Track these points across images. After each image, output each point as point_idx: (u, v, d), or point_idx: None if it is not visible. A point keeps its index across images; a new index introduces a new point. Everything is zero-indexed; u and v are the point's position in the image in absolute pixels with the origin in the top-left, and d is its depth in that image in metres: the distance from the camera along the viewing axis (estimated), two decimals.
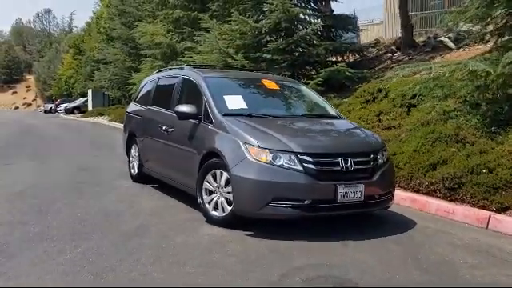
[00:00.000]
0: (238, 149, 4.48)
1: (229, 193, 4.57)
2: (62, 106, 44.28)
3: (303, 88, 6.21)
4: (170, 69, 7.03)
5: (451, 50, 13.31)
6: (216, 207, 4.75)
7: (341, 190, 4.31)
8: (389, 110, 9.36)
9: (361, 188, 4.42)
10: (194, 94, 5.66)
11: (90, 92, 37.15)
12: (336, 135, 5.06)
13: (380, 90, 10.39)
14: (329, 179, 4.34)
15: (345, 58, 15.19)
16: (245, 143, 4.46)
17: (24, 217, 4.95)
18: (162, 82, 6.78)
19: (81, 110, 39.84)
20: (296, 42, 12.97)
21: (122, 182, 7.12)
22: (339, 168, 4.38)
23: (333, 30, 14.87)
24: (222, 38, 13.61)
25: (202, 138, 5.06)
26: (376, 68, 14.68)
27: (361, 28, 18.63)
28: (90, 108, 36.08)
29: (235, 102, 5.20)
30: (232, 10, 13.36)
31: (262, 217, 4.40)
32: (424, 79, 6.94)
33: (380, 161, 4.71)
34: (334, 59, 14.77)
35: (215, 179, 4.74)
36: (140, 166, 6.92)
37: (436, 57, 13.13)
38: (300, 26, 13.77)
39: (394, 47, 15.70)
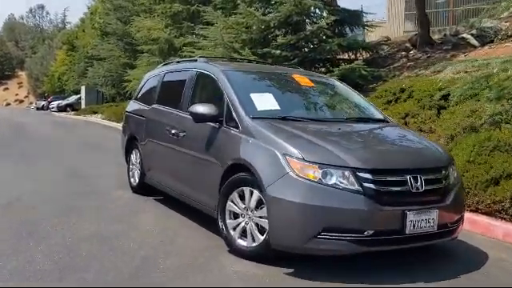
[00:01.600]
0: (275, 162, 3.48)
1: (261, 217, 3.57)
2: (55, 104, 43.06)
3: (339, 84, 5.21)
4: (179, 61, 6.00)
5: (474, 47, 12.39)
6: (243, 235, 3.74)
7: (410, 217, 3.33)
8: (416, 112, 8.43)
9: (434, 215, 3.44)
10: (211, 92, 4.66)
11: (83, 89, 35.96)
12: (397, 145, 4.05)
13: (403, 90, 9.45)
14: (395, 203, 3.35)
15: (357, 55, 14.22)
16: (284, 155, 3.46)
17: None
18: (169, 77, 5.77)
19: (74, 107, 38.63)
20: (307, 38, 12.00)
21: (120, 194, 6.10)
22: (407, 188, 3.39)
23: (342, 25, 13.90)
24: (226, 31, 12.60)
25: (224, 145, 4.06)
26: (391, 66, 13.74)
27: (370, 24, 17.67)
28: (83, 106, 34.88)
29: (265, 101, 4.20)
30: (238, 2, 12.34)
31: (309, 252, 3.40)
32: (475, 77, 5.96)
33: (452, 179, 3.73)
34: (345, 57, 13.83)
35: (243, 199, 3.75)
36: (142, 175, 5.91)
37: (458, 55, 12.19)
38: (308, 21, 12.84)
39: (408, 44, 14.76)
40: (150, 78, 6.39)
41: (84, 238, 4.17)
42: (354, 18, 13.95)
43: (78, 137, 14.70)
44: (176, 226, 4.68)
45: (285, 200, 3.33)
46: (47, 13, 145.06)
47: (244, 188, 3.72)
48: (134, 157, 6.24)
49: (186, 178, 4.72)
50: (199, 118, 4.25)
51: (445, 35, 14.72)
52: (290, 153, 3.46)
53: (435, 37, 14.75)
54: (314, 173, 3.32)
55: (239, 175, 3.76)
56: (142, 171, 5.91)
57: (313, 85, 4.80)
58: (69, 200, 5.64)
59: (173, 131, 4.96)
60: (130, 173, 6.37)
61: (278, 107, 4.18)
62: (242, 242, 3.74)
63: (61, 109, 40.35)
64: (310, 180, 3.31)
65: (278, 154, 3.49)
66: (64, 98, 44.12)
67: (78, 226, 4.55)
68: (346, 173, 3.31)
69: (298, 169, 3.37)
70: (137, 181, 6.12)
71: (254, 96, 4.25)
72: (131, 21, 21.69)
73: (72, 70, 43.37)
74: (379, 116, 4.64)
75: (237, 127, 3.99)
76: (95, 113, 27.66)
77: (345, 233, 3.25)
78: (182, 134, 4.78)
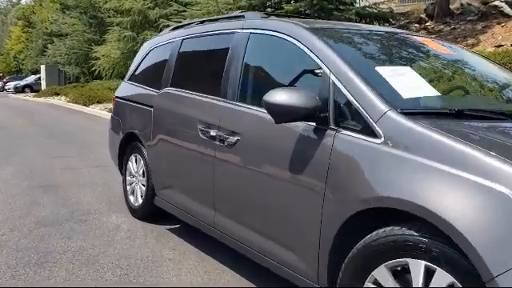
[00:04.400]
0: (504, 215, 1.61)
1: None
2: (11, 84, 39.67)
3: (470, 53, 3.32)
4: (203, 21, 3.96)
5: (508, 16, 10.76)
6: None
7: None
8: None
9: None
10: (288, 67, 2.75)
11: (43, 68, 32.79)
12: None
13: None
14: None
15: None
16: None
17: None
18: (191, 46, 3.78)
19: (33, 88, 35.50)
20: (320, 4, 10.07)
21: (113, 221, 4.13)
22: None
23: None
24: None
25: (336, 167, 2.15)
26: None
27: None
28: (43, 86, 31.79)
29: (407, 82, 2.31)
30: None
31: None
32: None
33: None
34: None
35: (406, 282, 1.86)
36: (149, 194, 3.95)
37: (492, 25, 10.54)
38: None
39: (423, 15, 13.04)
40: (155, 47, 4.36)
41: None
42: None
43: (42, 125, 12.30)
44: None
45: None
46: None
47: (411, 262, 1.83)
48: (135, 165, 4.25)
49: (247, 214, 2.80)
50: (285, 114, 2.31)
51: (462, 4, 13.07)
52: None
53: (452, 6, 13.09)
54: None
55: (395, 235, 1.87)
56: (150, 188, 3.94)
57: (453, 53, 2.91)
58: (35, 238, 3.63)
59: (213, 133, 3.01)
60: (128, 188, 4.38)
61: (435, 92, 2.28)
62: None
63: (18, 90, 37.16)
64: None
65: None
66: (21, 79, 40.85)
67: None
68: None
69: None
70: (140, 201, 4.15)
71: (385, 72, 2.34)
72: None
73: (29, 48, 40.34)
74: None
75: (367, 132, 2.10)
76: (58, 94, 24.98)
77: None
78: (232, 139, 2.84)
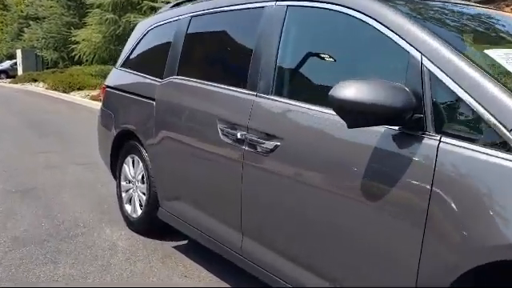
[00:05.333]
0: None
1: None
2: None
3: None
4: None
5: None
6: None
7: None
8: None
9: None
10: (352, 51, 2.09)
11: (19, 53, 31.35)
12: None
13: None
14: None
15: None
16: None
17: None
18: (204, 26, 3.07)
19: (8, 74, 33.99)
20: None
21: (108, 236, 3.46)
22: None
23: None
24: None
25: (446, 193, 1.51)
26: None
27: None
28: (19, 72, 30.38)
29: None
30: None
31: None
32: None
33: None
34: None
35: None
36: (151, 205, 3.27)
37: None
38: None
39: None
40: (154, 27, 3.62)
41: None
42: None
43: (20, 115, 11.34)
44: None
45: None
46: None
47: None
48: (132, 169, 3.56)
49: (293, 243, 2.15)
50: (363, 116, 1.65)
51: None
52: None
53: None
54: None
55: None
56: (152, 197, 3.25)
57: None
58: (9, 265, 2.92)
59: (239, 135, 2.34)
60: (124, 195, 3.68)
61: None
62: None
63: None
64: None
65: None
66: None
67: None
68: None
69: None
70: (139, 212, 3.46)
71: (499, 56, 1.69)
72: None
73: (4, 32, 38.72)
74: None
75: (494, 144, 1.45)
76: (35, 81, 23.81)
77: None
78: (269, 145, 2.17)
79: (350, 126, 1.69)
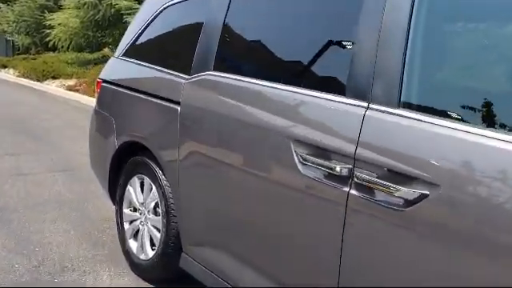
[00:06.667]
0: None
1: None
2: None
3: None
4: None
5: None
6: None
7: None
8: None
9: None
10: None
11: None
12: None
13: None
14: None
15: None
16: None
17: None
18: (258, 3, 2.17)
19: None
20: None
21: (106, 282, 2.53)
22: None
23: None
24: None
25: None
26: None
27: None
28: None
29: None
30: None
31: None
32: None
33: None
34: None
35: None
36: (170, 247, 2.37)
37: None
38: None
39: None
40: (171, 4, 2.69)
41: None
42: None
43: None
44: None
45: None
46: None
47: None
48: (140, 193, 2.65)
49: None
50: None
51: None
52: None
53: None
54: None
55: None
56: (172, 236, 2.36)
57: None
58: None
59: (339, 168, 1.48)
60: (127, 227, 2.77)
61: None
62: None
63: None
64: None
65: None
66: None
67: None
68: None
69: None
70: (150, 254, 2.55)
71: None
72: None
73: None
74: None
75: None
76: (5, 67, 22.31)
77: None
78: (407, 193, 1.31)
79: None
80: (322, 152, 1.57)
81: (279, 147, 1.72)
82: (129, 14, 12.09)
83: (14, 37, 24.89)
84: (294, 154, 1.65)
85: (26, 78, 16.10)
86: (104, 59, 16.07)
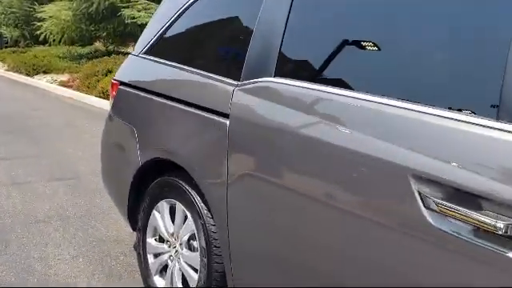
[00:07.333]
0: None
1: None
2: None
3: None
4: None
5: None
6: None
7: None
8: None
9: None
10: None
11: None
12: None
13: None
14: None
15: None
16: None
17: None
18: None
19: None
20: None
21: None
22: None
23: None
24: None
25: None
26: None
27: None
28: None
29: None
30: None
31: None
32: None
33: None
34: None
35: None
36: None
37: None
38: None
39: None
40: None
41: None
42: None
43: None
44: None
45: None
46: None
47: None
48: (169, 222, 2.20)
49: None
50: None
51: None
52: None
53: None
54: None
55: None
56: (214, 279, 1.89)
57: None
58: None
59: (502, 225, 1.02)
60: (152, 261, 2.31)
61: None
62: None
63: None
64: None
65: None
66: None
67: None
68: None
69: None
70: None
71: None
72: None
73: None
74: None
75: None
76: None
77: None
78: None
79: None
80: (465, 196, 1.13)
81: (392, 182, 1.27)
82: (127, 7, 11.51)
83: (2, 29, 24.19)
84: (416, 194, 1.20)
85: (16, 72, 15.46)
86: (96, 54, 15.48)
